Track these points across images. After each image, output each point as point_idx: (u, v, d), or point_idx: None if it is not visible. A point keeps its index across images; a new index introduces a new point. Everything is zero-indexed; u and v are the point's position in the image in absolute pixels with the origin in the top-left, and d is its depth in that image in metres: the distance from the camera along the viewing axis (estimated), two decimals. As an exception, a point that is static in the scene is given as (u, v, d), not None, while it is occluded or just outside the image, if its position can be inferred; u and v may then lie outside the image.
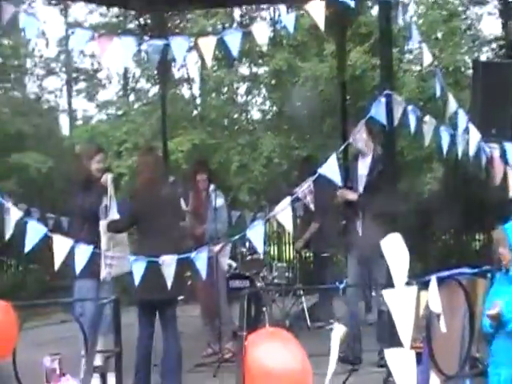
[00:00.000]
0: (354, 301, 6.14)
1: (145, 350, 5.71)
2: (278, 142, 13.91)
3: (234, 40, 4.32)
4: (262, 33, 4.31)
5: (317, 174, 4.34)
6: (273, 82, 15.11)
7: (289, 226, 4.21)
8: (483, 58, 13.82)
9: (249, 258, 7.90)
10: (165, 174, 7.40)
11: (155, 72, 15.64)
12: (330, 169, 4.23)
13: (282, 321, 7.40)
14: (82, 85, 18.64)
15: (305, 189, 4.29)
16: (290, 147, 14.04)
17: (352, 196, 5.85)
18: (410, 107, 4.53)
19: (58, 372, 5.32)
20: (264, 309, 6.56)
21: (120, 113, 16.30)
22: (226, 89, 15.10)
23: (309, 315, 7.87)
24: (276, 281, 8.08)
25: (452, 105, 5.26)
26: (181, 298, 8.35)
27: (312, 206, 4.34)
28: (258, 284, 7.74)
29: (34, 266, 15.42)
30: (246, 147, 13.88)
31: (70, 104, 18.35)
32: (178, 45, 4.37)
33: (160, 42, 4.54)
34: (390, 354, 3.75)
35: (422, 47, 4.94)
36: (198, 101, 16.07)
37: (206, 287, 6.65)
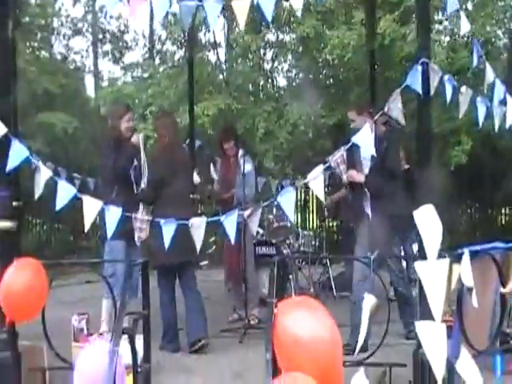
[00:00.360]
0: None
1: (169, 313, 5.79)
2: (304, 110, 13.77)
3: (268, 4, 4.20)
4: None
5: (350, 143, 4.27)
6: (300, 49, 14.92)
7: (321, 195, 4.16)
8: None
9: (275, 225, 7.88)
10: (183, 139, 7.44)
11: (181, 35, 15.56)
12: (364, 138, 4.14)
13: (307, 289, 7.40)
14: (107, 46, 18.51)
15: (337, 158, 4.22)
16: (317, 115, 13.89)
17: (359, 178, 5.68)
18: (446, 76, 4.41)
19: (85, 331, 5.40)
20: (290, 276, 6.55)
21: (145, 75, 16.20)
22: (252, 55, 14.90)
23: (334, 284, 7.87)
24: (302, 249, 8.09)
25: (489, 75, 5.13)
26: (204, 263, 8.44)
27: (345, 177, 4.27)
28: (284, 251, 7.75)
29: (59, 225, 15.63)
30: (271, 114, 13.74)
31: (95, 65, 18.27)
32: (212, 7, 4.27)
33: (193, 3, 4.45)
34: (421, 326, 3.73)
35: (459, 15, 4.80)
36: (224, 66, 15.89)
37: (232, 252, 6.66)
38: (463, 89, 4.64)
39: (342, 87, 14.53)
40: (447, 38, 13.48)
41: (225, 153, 7.03)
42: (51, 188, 4.53)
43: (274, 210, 7.78)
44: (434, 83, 4.18)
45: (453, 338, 3.89)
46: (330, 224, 14.37)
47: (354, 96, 13.33)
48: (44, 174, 4.37)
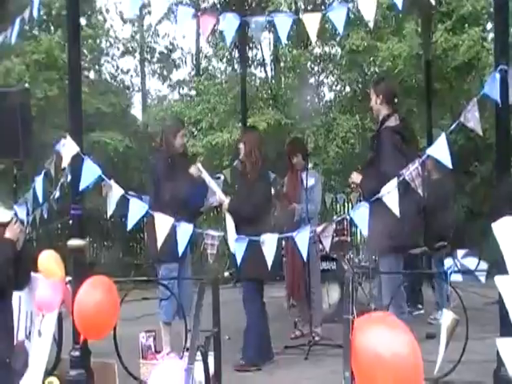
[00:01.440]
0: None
1: (265, 325, 5.82)
2: (353, 123, 13.69)
3: (339, 16, 4.18)
4: (369, 7, 4.11)
5: (425, 156, 4.17)
6: (347, 62, 14.84)
7: (395, 209, 4.07)
8: None
9: (336, 239, 7.77)
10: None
11: (229, 52, 15.69)
12: (440, 150, 4.05)
13: (367, 304, 7.27)
14: (155, 65, 18.75)
15: (412, 171, 4.12)
16: (366, 128, 13.78)
17: (357, 178, 5.37)
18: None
19: (153, 349, 5.41)
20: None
21: (193, 92, 16.36)
22: (300, 69, 14.89)
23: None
24: (363, 263, 7.97)
25: None
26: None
27: (420, 191, 4.15)
28: (345, 266, 7.64)
29: (108, 242, 15.81)
30: (320, 128, 13.70)
31: (143, 84, 18.53)
32: (282, 22, 4.26)
33: (262, 19, 4.45)
34: (503, 343, 3.62)
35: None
36: (273, 80, 15.94)
37: (296, 268, 6.59)
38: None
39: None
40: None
41: (292, 167, 6.91)
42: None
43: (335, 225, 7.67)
44: (513, 91, 4.07)
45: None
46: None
47: (404, 108, 13.19)
48: (116, 192, 4.41)
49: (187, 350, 4.48)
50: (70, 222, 4.76)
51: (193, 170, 5.88)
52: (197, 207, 6.07)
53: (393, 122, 5.20)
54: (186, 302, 5.55)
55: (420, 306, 7.83)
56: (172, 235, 4.46)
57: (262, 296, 5.96)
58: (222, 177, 7.00)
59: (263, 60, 16.10)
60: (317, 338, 6.45)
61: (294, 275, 6.75)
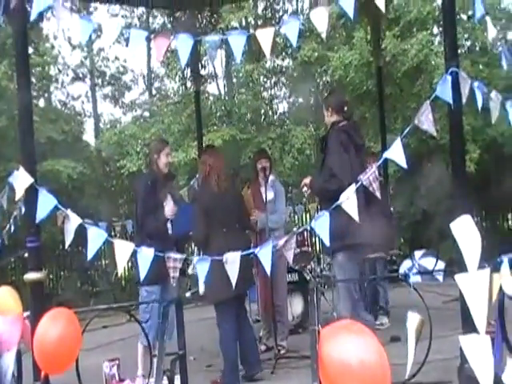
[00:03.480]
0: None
1: (235, 348, 5.71)
2: (308, 134, 13.80)
3: (292, 29, 4.19)
4: (321, 19, 4.12)
5: (382, 159, 4.19)
6: (297, 73, 14.98)
7: (355, 215, 4.06)
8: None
9: (297, 250, 7.76)
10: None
11: (181, 70, 15.66)
12: (396, 153, 4.07)
13: (330, 313, 7.27)
14: (107, 89, 18.63)
15: (369, 175, 4.13)
16: (321, 138, 13.86)
17: (307, 180, 5.44)
18: (476, 83, 4.35)
19: (117, 377, 5.30)
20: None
21: (147, 114, 16.31)
22: (253, 83, 14.98)
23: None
24: (324, 273, 7.97)
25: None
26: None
27: (378, 194, 4.17)
28: (307, 277, 7.63)
29: (65, 272, 15.59)
30: (276, 141, 13.75)
31: (95, 108, 18.36)
32: (236, 40, 4.25)
33: (217, 38, 4.44)
34: (465, 340, 3.63)
35: (486, 20, 4.73)
36: (226, 97, 15.99)
37: (266, 282, 6.54)
38: (493, 94, 4.57)
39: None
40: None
41: (257, 176, 6.89)
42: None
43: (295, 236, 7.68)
44: (464, 91, 4.12)
45: (496, 349, 3.79)
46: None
47: (357, 115, 13.34)
48: (73, 221, 4.32)
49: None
50: (26, 254, 4.65)
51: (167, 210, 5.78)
52: (183, 231, 6.03)
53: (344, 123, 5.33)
54: (170, 326, 5.44)
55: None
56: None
57: (235, 317, 5.78)
58: None
59: (216, 76, 16.15)
60: (282, 352, 6.41)
61: (266, 291, 6.69)
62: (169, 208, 5.65)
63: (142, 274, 4.17)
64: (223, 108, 14.92)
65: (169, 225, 5.76)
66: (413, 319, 4.13)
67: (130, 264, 4.69)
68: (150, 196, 5.70)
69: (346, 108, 5.43)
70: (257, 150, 8.65)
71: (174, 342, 4.21)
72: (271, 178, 6.77)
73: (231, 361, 5.65)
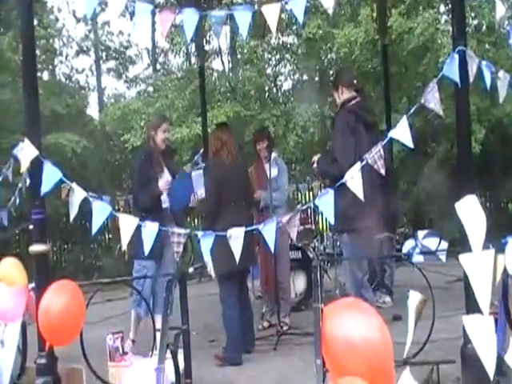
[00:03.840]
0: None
1: (238, 322, 5.80)
2: (312, 112, 13.73)
3: (298, 5, 4.15)
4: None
5: (388, 138, 4.19)
6: (304, 50, 14.84)
7: (360, 194, 4.07)
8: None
9: (300, 228, 7.78)
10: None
11: (185, 46, 15.57)
12: (402, 132, 4.06)
13: (332, 291, 7.31)
14: (111, 63, 18.51)
15: (374, 154, 4.13)
16: (325, 116, 13.83)
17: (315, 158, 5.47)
18: (484, 62, 4.32)
19: (120, 350, 5.33)
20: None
21: (151, 89, 16.21)
22: (258, 60, 14.84)
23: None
24: (327, 251, 8.00)
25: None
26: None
27: (383, 171, 4.17)
28: (310, 254, 7.66)
29: (69, 245, 15.64)
30: (280, 118, 13.68)
31: (99, 83, 18.27)
32: (242, 15, 4.21)
33: (222, 13, 4.41)
34: (469, 320, 3.65)
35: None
36: (230, 73, 15.87)
37: (269, 260, 6.57)
38: (500, 74, 4.54)
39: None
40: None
41: (259, 155, 6.91)
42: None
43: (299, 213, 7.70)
44: (472, 71, 4.09)
45: (499, 330, 3.80)
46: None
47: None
48: (78, 195, 4.33)
49: (156, 348, 4.44)
50: (31, 227, 4.66)
51: (161, 184, 5.80)
52: (181, 205, 6.05)
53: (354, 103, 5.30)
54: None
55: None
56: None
57: (238, 291, 5.89)
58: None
59: (220, 52, 16.03)
60: (285, 328, 6.46)
61: (267, 267, 6.73)
62: (163, 182, 5.68)
63: (146, 248, 4.19)
64: (227, 84, 14.84)
65: (164, 198, 5.79)
66: (414, 298, 4.14)
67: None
68: (143, 170, 5.78)
69: (355, 82, 5.40)
70: (256, 129, 8.61)
71: (176, 317, 4.23)
72: (273, 155, 6.79)
73: (234, 336, 5.71)
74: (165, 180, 5.75)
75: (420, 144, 11.43)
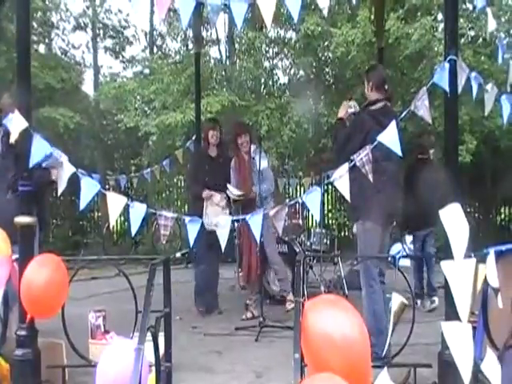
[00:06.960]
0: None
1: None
2: (306, 108, 13.72)
3: (294, 1, 4.15)
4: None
5: (376, 142, 4.23)
6: (301, 46, 14.81)
7: (346, 194, 4.12)
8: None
9: (288, 222, 7.82)
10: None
11: (183, 31, 15.53)
12: (390, 137, 4.11)
13: (317, 287, 7.37)
14: (108, 42, 18.32)
15: (363, 157, 4.17)
16: (319, 113, 13.84)
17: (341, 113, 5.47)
18: (473, 74, 4.38)
19: (102, 328, 5.35)
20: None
21: (147, 71, 16.10)
22: (255, 51, 14.80)
23: (346, 282, 7.80)
24: (314, 247, 8.04)
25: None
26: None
27: (371, 177, 4.21)
28: (296, 249, 7.70)
29: (57, 221, 15.58)
30: (275, 111, 13.67)
31: (95, 60, 18.09)
32: (238, 7, 4.22)
33: (219, 2, 4.43)
34: (447, 327, 3.70)
35: (486, 12, 4.75)
36: (227, 62, 15.82)
37: (251, 250, 6.62)
38: (489, 86, 4.60)
39: (344, 85, 14.48)
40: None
41: (239, 148, 6.93)
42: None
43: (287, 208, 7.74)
44: (461, 81, 4.14)
45: (477, 338, 3.87)
46: (342, 222, 14.44)
47: (356, 94, 13.30)
48: (67, 169, 4.33)
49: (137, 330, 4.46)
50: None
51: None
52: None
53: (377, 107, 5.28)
54: None
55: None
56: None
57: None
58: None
59: (218, 40, 15.97)
60: (267, 320, 6.51)
61: (250, 257, 6.77)
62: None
63: (134, 228, 4.21)
64: (223, 73, 14.80)
65: None
66: (395, 301, 4.20)
67: (122, 218, 4.71)
68: None
69: (386, 86, 5.38)
70: (235, 122, 8.59)
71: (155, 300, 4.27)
72: (253, 147, 6.83)
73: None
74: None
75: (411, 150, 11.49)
